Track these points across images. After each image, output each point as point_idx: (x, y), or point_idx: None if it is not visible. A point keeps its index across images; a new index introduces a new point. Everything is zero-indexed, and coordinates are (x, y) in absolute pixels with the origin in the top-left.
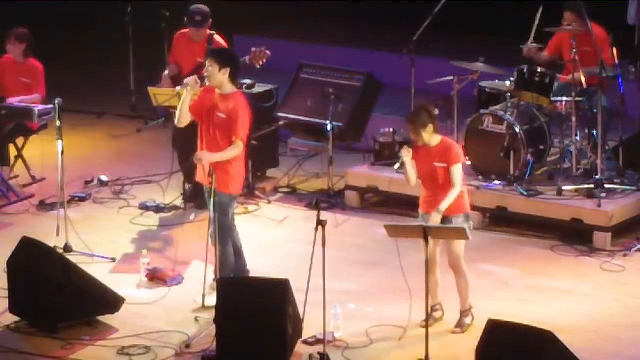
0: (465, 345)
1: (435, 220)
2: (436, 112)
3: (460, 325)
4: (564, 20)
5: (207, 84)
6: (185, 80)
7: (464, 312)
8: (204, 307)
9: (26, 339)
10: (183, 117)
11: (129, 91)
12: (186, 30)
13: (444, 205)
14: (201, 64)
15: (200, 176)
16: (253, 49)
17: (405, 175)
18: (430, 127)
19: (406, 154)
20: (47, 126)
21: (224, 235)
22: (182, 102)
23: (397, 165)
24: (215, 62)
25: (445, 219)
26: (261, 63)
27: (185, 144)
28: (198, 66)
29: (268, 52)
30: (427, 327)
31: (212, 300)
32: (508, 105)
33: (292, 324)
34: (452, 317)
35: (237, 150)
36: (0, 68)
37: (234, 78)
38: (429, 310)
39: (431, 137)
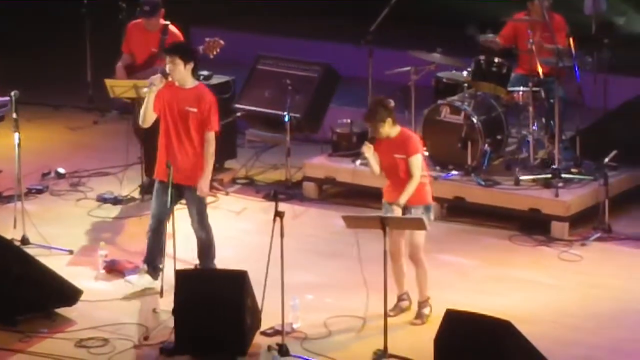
0: (424, 335)
1: (396, 213)
2: (392, 104)
3: (420, 317)
4: (530, 5)
5: (170, 79)
6: (151, 79)
7: (422, 303)
8: (161, 298)
9: None
10: (149, 117)
11: (85, 83)
12: (140, 20)
13: (403, 198)
14: (155, 54)
15: (161, 173)
16: (207, 39)
17: (370, 168)
18: (389, 120)
19: (367, 150)
20: (4, 118)
21: (207, 222)
22: (147, 101)
23: (358, 161)
24: (180, 59)
25: (404, 210)
26: (215, 53)
27: (147, 132)
28: (152, 55)
29: (222, 42)
30: (385, 317)
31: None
32: (465, 96)
33: (251, 316)
34: (412, 311)
35: (213, 144)
36: None
37: (195, 71)
38: (396, 300)
39: (391, 130)
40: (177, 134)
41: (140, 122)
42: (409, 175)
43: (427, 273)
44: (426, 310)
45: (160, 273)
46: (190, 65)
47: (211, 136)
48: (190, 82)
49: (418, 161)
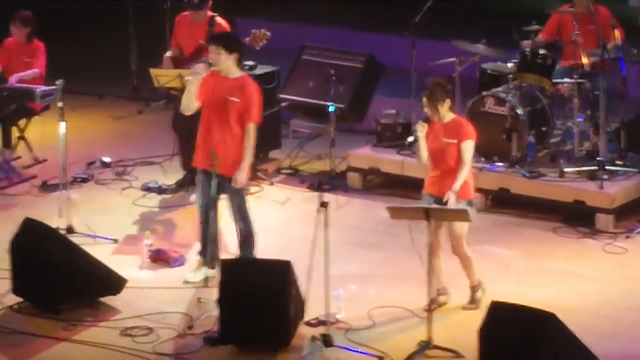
0: (468, 327)
1: (451, 201)
2: (449, 87)
3: (473, 301)
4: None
5: (213, 69)
6: (195, 67)
7: (474, 287)
8: (207, 287)
9: (29, 320)
10: (191, 105)
11: (130, 73)
12: (187, 13)
13: (457, 184)
14: (202, 46)
15: (201, 161)
16: (253, 30)
17: (417, 151)
18: (447, 101)
19: (421, 129)
20: (49, 107)
21: (246, 213)
22: (189, 89)
23: (410, 139)
24: (223, 48)
25: (445, 204)
26: (261, 44)
27: (185, 126)
28: (199, 48)
29: (268, 33)
30: (430, 308)
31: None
32: (510, 87)
33: (295, 306)
34: (458, 300)
35: (254, 135)
36: (5, 51)
37: (240, 62)
38: (435, 295)
39: (446, 113)
40: (218, 123)
41: (181, 109)
42: (457, 163)
43: (473, 260)
44: (479, 294)
45: (219, 261)
46: (235, 55)
47: (252, 127)
48: (234, 72)
49: (471, 147)
